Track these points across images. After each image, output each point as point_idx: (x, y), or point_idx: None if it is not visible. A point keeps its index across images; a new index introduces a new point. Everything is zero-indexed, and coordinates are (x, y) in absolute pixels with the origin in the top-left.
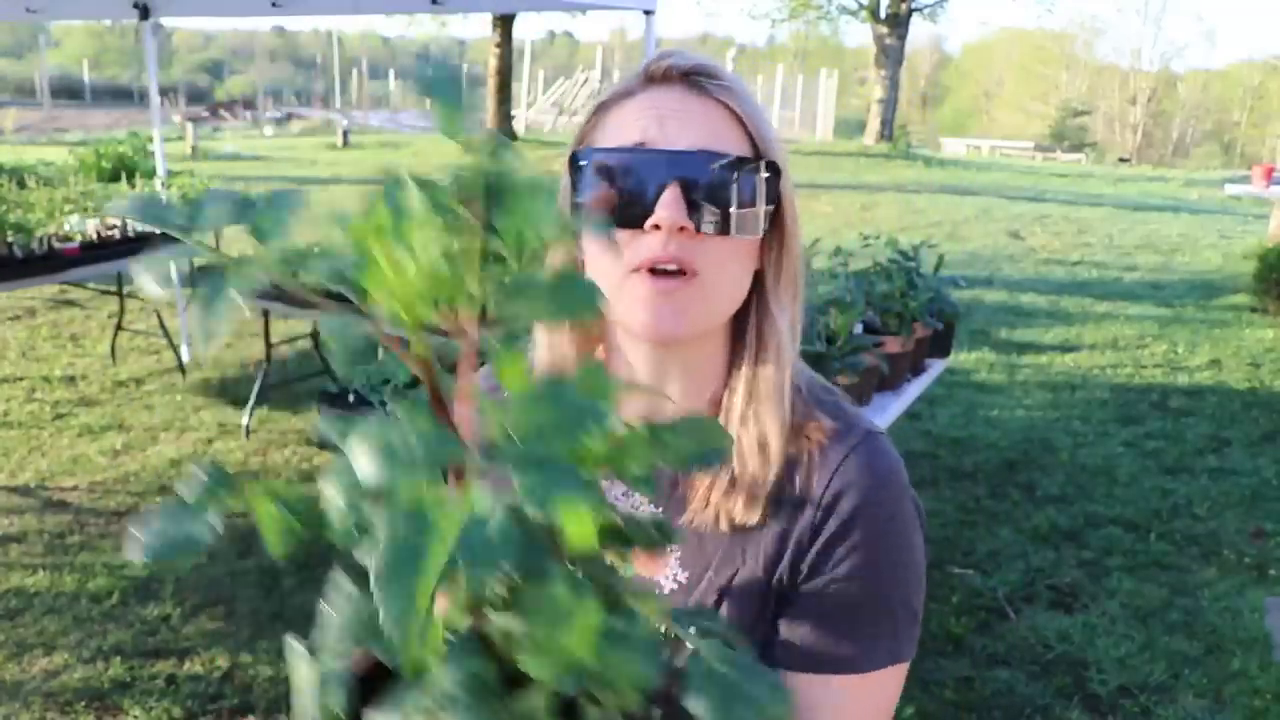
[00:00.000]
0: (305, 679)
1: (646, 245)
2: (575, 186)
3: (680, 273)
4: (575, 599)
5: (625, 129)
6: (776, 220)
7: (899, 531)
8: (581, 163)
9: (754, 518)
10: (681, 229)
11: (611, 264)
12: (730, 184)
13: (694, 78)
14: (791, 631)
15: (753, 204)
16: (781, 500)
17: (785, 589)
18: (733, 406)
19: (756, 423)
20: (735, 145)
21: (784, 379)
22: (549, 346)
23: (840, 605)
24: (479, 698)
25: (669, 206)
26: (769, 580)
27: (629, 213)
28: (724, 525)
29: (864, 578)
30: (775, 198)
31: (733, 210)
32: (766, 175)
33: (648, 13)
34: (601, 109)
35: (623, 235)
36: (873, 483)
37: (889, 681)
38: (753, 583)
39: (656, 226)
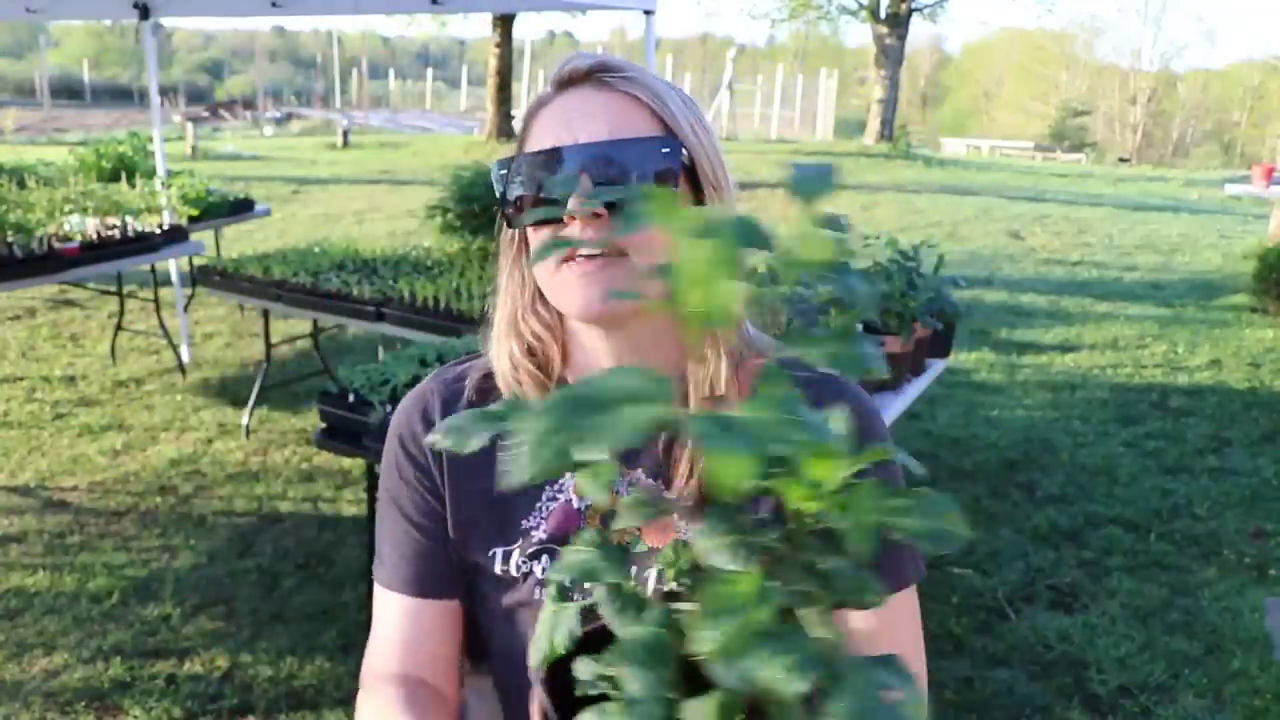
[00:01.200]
0: (547, 615)
1: (569, 234)
2: (500, 194)
3: (605, 255)
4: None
5: (542, 136)
6: (695, 191)
7: (885, 441)
8: (500, 172)
9: None
10: (597, 215)
11: (544, 258)
12: (636, 164)
13: (597, 75)
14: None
15: (663, 179)
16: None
17: None
18: (698, 378)
19: (707, 390)
20: (643, 129)
21: (720, 343)
22: (511, 331)
23: None
24: (653, 657)
25: (579, 197)
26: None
27: (550, 209)
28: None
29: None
30: (689, 167)
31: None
32: (666, 150)
33: (648, 13)
34: (529, 119)
35: (547, 231)
36: (867, 414)
37: (916, 594)
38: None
39: (573, 217)
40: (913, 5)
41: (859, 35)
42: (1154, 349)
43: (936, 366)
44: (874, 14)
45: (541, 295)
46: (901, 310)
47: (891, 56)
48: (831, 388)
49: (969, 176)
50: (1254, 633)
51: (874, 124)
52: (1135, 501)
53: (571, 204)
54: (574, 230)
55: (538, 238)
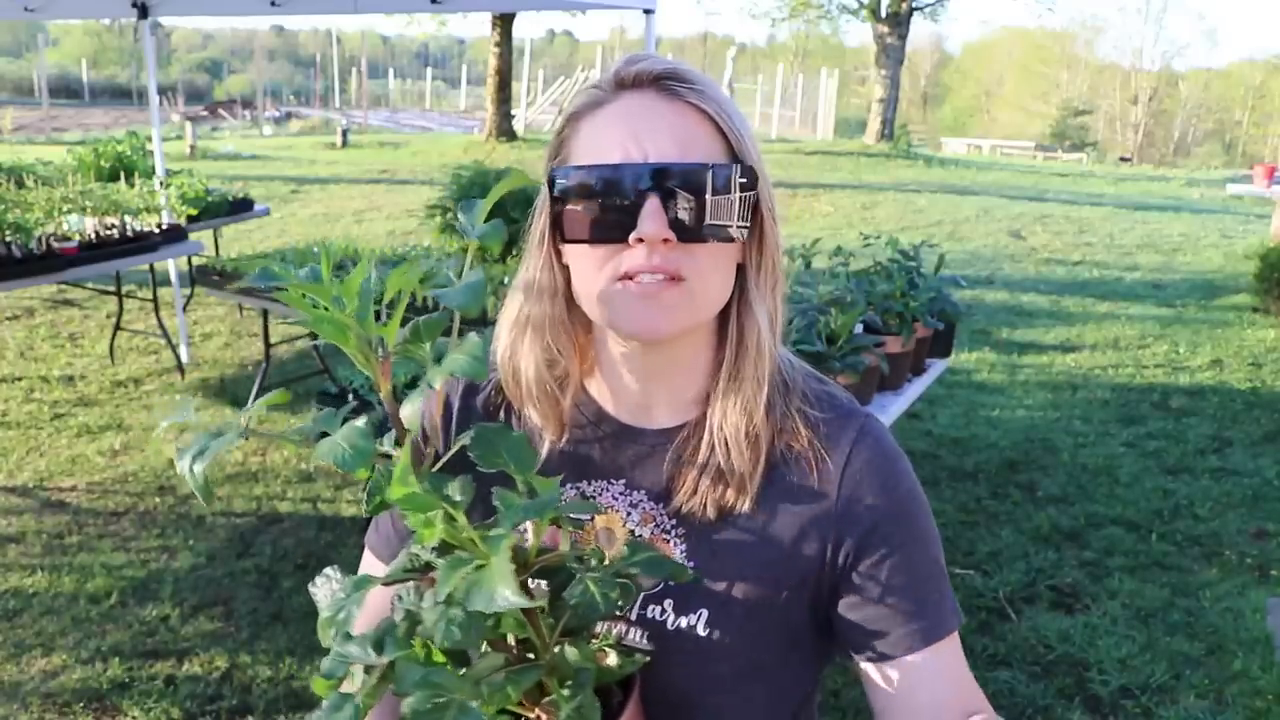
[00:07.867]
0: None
1: (631, 257)
2: (555, 203)
3: (666, 278)
4: None
5: (601, 142)
6: (755, 217)
7: (919, 499)
8: (559, 180)
9: (742, 505)
10: (665, 240)
11: (597, 274)
12: (709, 192)
13: (665, 82)
14: (870, 623)
15: (732, 209)
16: (778, 488)
17: (831, 579)
18: (716, 399)
19: (740, 414)
20: (710, 147)
21: (764, 369)
22: (538, 341)
23: (903, 582)
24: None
25: (651, 220)
26: (794, 567)
27: (612, 227)
28: (711, 513)
29: (911, 551)
30: (753, 198)
31: (712, 218)
32: (743, 180)
33: (648, 12)
34: (574, 119)
35: (607, 249)
36: (886, 461)
37: (958, 639)
38: (769, 570)
39: (641, 240)
40: (913, 4)
41: (859, 34)
42: (1155, 349)
43: (937, 366)
44: (874, 13)
45: (571, 303)
46: (902, 310)
47: (892, 56)
48: (848, 428)
49: (969, 176)
50: (1255, 633)
51: (874, 123)
52: (1136, 502)
53: (650, 229)
54: (638, 252)
55: (592, 253)
